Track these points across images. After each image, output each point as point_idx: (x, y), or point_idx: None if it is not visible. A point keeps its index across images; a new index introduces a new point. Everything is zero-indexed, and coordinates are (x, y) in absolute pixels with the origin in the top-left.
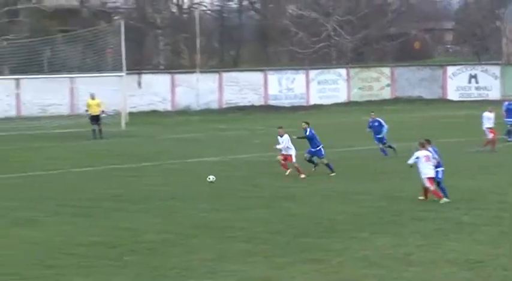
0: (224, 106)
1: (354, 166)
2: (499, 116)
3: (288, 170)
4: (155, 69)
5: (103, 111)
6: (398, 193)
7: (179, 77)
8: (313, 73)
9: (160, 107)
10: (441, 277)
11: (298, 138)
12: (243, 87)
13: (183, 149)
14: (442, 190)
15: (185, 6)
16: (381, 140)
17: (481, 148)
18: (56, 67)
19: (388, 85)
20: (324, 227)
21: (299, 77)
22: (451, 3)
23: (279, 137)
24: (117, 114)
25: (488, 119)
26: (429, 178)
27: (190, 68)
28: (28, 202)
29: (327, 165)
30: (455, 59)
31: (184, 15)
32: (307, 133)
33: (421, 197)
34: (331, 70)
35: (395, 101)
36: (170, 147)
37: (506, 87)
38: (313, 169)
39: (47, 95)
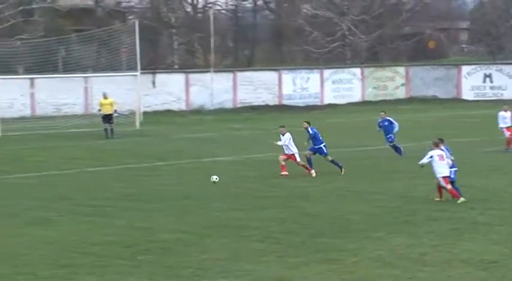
0: (238, 106)
1: (368, 165)
2: None
3: (284, 173)
4: (169, 68)
5: (115, 111)
6: (412, 193)
7: (193, 77)
8: (327, 72)
9: (175, 106)
10: (456, 277)
11: (308, 140)
12: (257, 86)
13: (197, 148)
14: (456, 189)
15: (200, 5)
16: (391, 140)
17: (510, 149)
18: (70, 67)
19: (402, 85)
20: (338, 227)
21: (313, 76)
22: (466, 2)
23: (281, 135)
24: (131, 114)
25: (504, 118)
26: (444, 177)
27: (204, 68)
28: (42, 202)
29: (332, 161)
30: (470, 58)
31: (199, 15)
32: (311, 132)
33: (437, 199)
34: (346, 70)
35: (410, 100)
36: (184, 146)
37: None
38: (309, 173)
39: (61, 95)
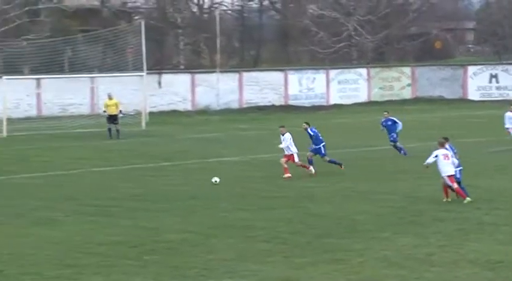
0: (244, 106)
1: (374, 165)
2: None
3: (287, 175)
4: (175, 69)
5: (120, 111)
6: (418, 193)
7: (199, 77)
8: (333, 73)
9: (181, 106)
10: (463, 277)
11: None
12: (263, 87)
13: (203, 148)
14: (462, 189)
15: (206, 6)
16: (394, 139)
17: None
18: (76, 67)
19: (408, 85)
20: (344, 227)
21: (319, 76)
22: (472, 2)
23: (281, 136)
24: (137, 114)
25: (510, 118)
26: (449, 176)
27: (210, 68)
28: (48, 202)
29: (330, 161)
30: (476, 58)
31: (205, 15)
32: (312, 133)
33: (446, 199)
34: (352, 70)
35: (416, 101)
36: (190, 147)
37: None
38: (308, 170)
39: (67, 95)
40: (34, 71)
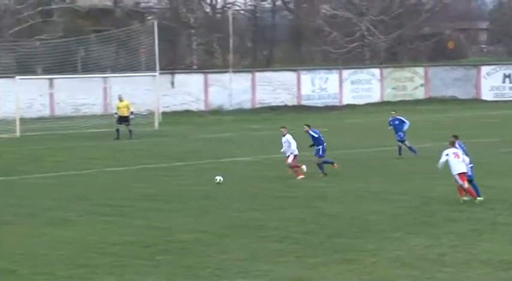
0: (257, 106)
1: (386, 165)
2: None
3: (301, 176)
4: (188, 69)
5: (132, 113)
6: (431, 193)
7: (212, 77)
8: (346, 73)
9: (194, 106)
10: (475, 277)
11: (311, 146)
12: (276, 87)
13: (216, 148)
14: (474, 187)
15: (218, 6)
16: (401, 138)
17: None
18: (89, 67)
19: (421, 85)
20: (357, 228)
21: (332, 76)
22: (485, 2)
23: (282, 137)
24: (150, 114)
25: None
26: (460, 174)
27: (223, 68)
28: (61, 202)
29: (323, 162)
30: (490, 58)
31: (218, 15)
32: (315, 135)
33: (462, 198)
34: (365, 70)
35: (429, 101)
36: (203, 147)
37: None
38: (298, 167)
39: (80, 95)
40: (47, 71)
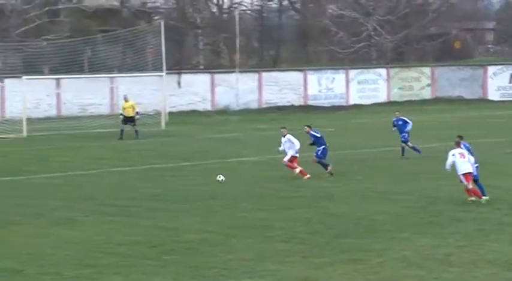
0: (263, 106)
1: (393, 165)
2: None
3: (307, 176)
4: (195, 69)
5: (137, 113)
6: (438, 193)
7: (219, 77)
8: (353, 73)
9: (200, 106)
10: (481, 278)
11: (311, 144)
12: (283, 87)
13: (223, 148)
14: (480, 187)
15: (225, 6)
16: (405, 139)
17: None
18: (96, 67)
19: (428, 85)
20: (363, 228)
21: (339, 76)
22: (492, 2)
23: (282, 137)
24: (156, 114)
25: None
26: (465, 174)
27: (229, 68)
28: (68, 202)
29: (320, 162)
30: (496, 58)
31: (224, 15)
32: (318, 135)
33: (472, 198)
34: (371, 70)
35: (436, 101)
36: (210, 147)
37: None
38: (327, 174)
39: (87, 95)
40: (54, 71)
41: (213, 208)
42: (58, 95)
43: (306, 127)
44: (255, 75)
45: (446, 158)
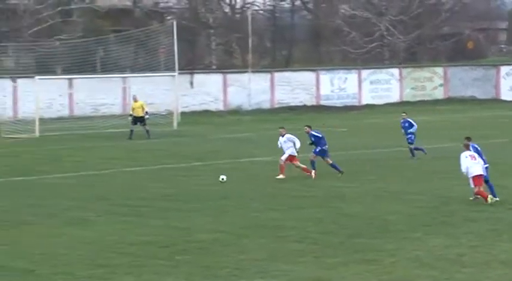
0: (276, 106)
1: (405, 165)
2: None
3: (312, 173)
4: (207, 69)
5: (146, 113)
6: (450, 193)
7: (231, 77)
8: (365, 73)
9: (213, 106)
10: (494, 278)
11: (310, 144)
12: (295, 87)
13: (235, 148)
14: (490, 188)
15: (238, 6)
16: (411, 141)
17: None
18: (108, 67)
19: (441, 85)
20: (376, 228)
21: (351, 76)
22: (505, 2)
23: (280, 137)
24: (169, 114)
25: None
26: (474, 177)
27: (242, 68)
28: (80, 202)
29: (332, 165)
30: (509, 58)
31: (237, 15)
32: (320, 135)
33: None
34: (384, 70)
35: (448, 101)
36: (222, 147)
37: None
38: (312, 174)
39: (99, 95)
40: (66, 71)
41: (225, 208)
42: (70, 95)
43: (306, 127)
44: (268, 75)
45: (458, 159)
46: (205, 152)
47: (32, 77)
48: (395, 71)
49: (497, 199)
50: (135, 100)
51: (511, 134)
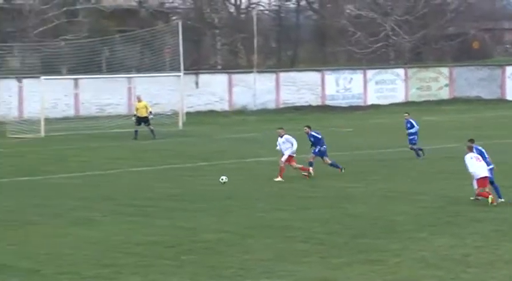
0: (281, 106)
1: (411, 166)
2: None
3: (308, 171)
4: (212, 69)
5: (150, 113)
6: (455, 194)
7: (236, 77)
8: (370, 73)
9: (218, 107)
10: (499, 278)
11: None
12: (300, 87)
13: (240, 148)
14: (495, 189)
15: (243, 6)
16: (415, 141)
17: None
18: (114, 67)
19: (446, 85)
20: (381, 228)
21: (357, 77)
22: (510, 2)
23: (279, 138)
24: (174, 114)
25: None
26: (479, 179)
27: (247, 68)
28: (86, 202)
29: (331, 165)
30: None
31: (242, 15)
32: (319, 136)
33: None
34: (389, 70)
35: (454, 101)
36: (227, 147)
37: None
38: (307, 173)
39: (105, 95)
40: (72, 71)
41: (231, 208)
42: (76, 95)
43: (305, 128)
44: (273, 76)
45: (463, 160)
46: (211, 152)
47: (38, 77)
48: (400, 71)
49: (503, 199)
50: (139, 100)
51: None
